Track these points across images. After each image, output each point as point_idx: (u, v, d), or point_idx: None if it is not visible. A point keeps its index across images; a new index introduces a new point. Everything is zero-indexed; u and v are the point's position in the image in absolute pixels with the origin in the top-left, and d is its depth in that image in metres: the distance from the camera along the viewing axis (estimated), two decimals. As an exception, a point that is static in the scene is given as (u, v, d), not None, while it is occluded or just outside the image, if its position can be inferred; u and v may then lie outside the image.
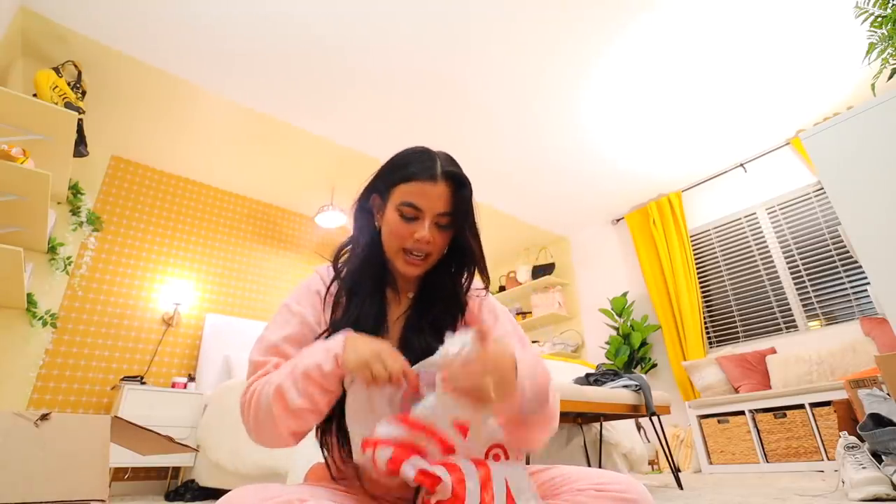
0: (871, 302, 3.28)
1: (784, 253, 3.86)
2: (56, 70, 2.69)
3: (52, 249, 3.19)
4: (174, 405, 3.11)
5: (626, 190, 4.57)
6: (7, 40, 2.55)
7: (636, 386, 2.38)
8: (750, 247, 4.08)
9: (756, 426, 3.19)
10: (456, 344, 0.63)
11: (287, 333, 0.77)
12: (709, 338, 4.17)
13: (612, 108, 3.47)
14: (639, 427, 3.00)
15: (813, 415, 2.95)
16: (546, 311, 5.01)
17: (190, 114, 3.43)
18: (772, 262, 3.92)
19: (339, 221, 4.30)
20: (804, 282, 3.71)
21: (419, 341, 0.78)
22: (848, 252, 3.39)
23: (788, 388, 3.14)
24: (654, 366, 4.31)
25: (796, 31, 2.90)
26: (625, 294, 4.51)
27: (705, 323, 4.19)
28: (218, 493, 2.63)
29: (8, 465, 1.10)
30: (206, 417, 3.02)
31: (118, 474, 3.14)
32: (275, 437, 0.70)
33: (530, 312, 5.26)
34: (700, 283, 4.29)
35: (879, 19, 1.84)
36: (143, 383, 3.20)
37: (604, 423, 2.68)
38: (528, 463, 0.85)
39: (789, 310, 3.76)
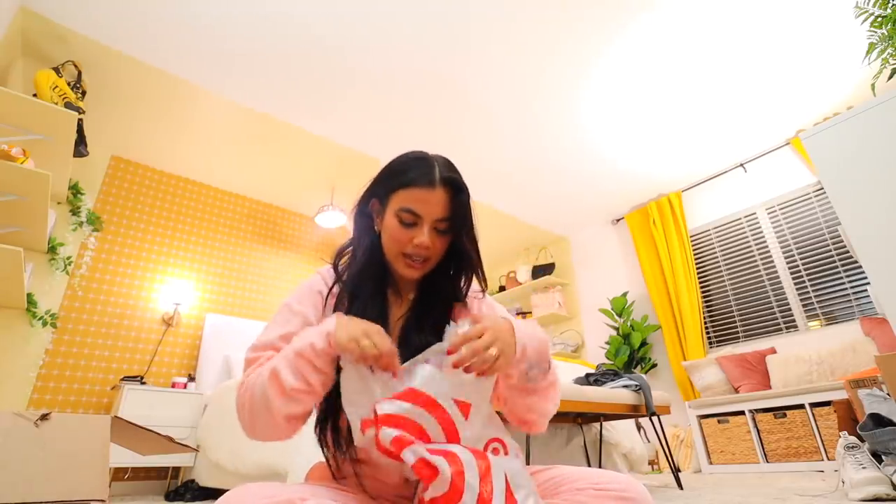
0: (871, 302, 3.28)
1: (784, 253, 3.86)
2: (56, 70, 2.69)
3: (52, 249, 3.20)
4: (174, 405, 3.11)
5: (626, 190, 4.57)
6: (7, 40, 2.55)
7: (636, 386, 2.38)
8: (750, 247, 4.08)
9: (756, 426, 3.19)
10: (456, 330, 0.66)
11: (287, 332, 0.78)
12: (709, 338, 4.17)
13: (612, 108, 3.47)
14: (639, 427, 3.00)
15: (813, 415, 2.95)
16: (546, 311, 5.01)
17: (190, 114, 3.43)
18: (772, 262, 3.92)
19: (339, 221, 4.30)
20: (804, 282, 3.71)
21: (420, 340, 0.78)
22: (848, 252, 3.39)
23: (788, 388, 3.14)
24: (654, 366, 4.31)
25: (796, 32, 2.90)
26: (625, 294, 4.51)
27: (705, 323, 4.19)
28: (218, 493, 2.63)
29: (8, 465, 1.10)
30: (206, 417, 3.02)
31: (118, 474, 3.14)
32: (270, 426, 0.70)
33: (530, 312, 5.26)
34: (700, 283, 4.29)
35: (879, 19, 1.84)
36: (143, 383, 3.20)
37: (604, 423, 2.68)
38: (527, 463, 0.85)
39: (789, 310, 3.76)
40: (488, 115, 3.52)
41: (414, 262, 0.81)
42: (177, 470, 3.27)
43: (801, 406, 3.02)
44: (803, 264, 3.74)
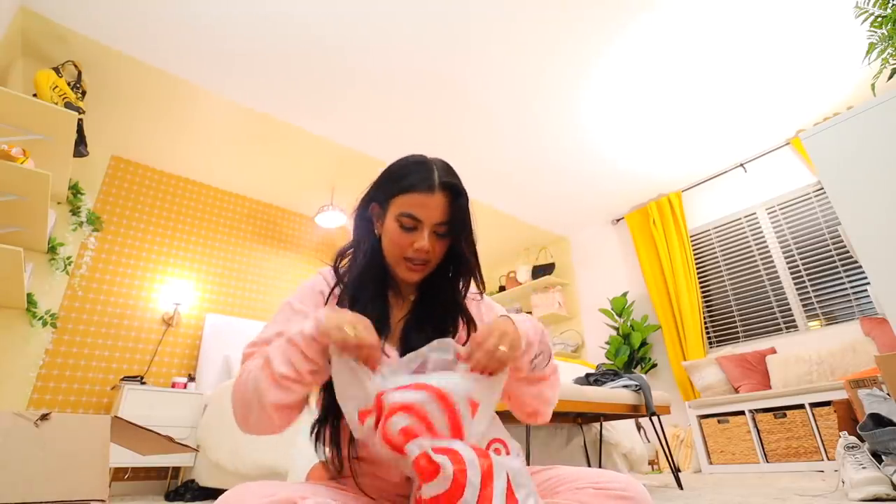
0: (871, 302, 3.28)
1: (784, 253, 3.86)
2: (56, 70, 2.69)
3: (52, 249, 3.20)
4: (174, 405, 3.11)
5: (626, 190, 4.57)
6: (7, 40, 2.55)
7: (636, 386, 2.38)
8: (750, 247, 4.08)
9: (756, 426, 3.18)
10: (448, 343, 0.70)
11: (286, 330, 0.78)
12: (709, 338, 4.17)
13: (612, 108, 3.47)
14: (639, 427, 3.00)
15: (813, 415, 2.95)
16: (546, 311, 5.01)
17: (190, 114, 3.43)
18: (772, 262, 3.92)
19: (339, 221, 4.30)
20: (804, 282, 3.71)
21: (420, 340, 0.79)
22: (848, 252, 3.39)
23: (788, 388, 3.14)
24: (654, 366, 4.31)
25: (796, 32, 2.90)
26: (625, 294, 4.51)
27: (705, 323, 4.19)
28: (218, 493, 2.62)
29: (8, 465, 1.10)
30: (206, 417, 3.02)
31: (118, 474, 3.14)
32: (263, 418, 0.69)
33: (530, 312, 5.26)
34: (700, 283, 4.29)
35: (879, 19, 1.84)
36: (143, 383, 3.20)
37: (604, 423, 2.68)
38: (527, 464, 0.85)
39: (789, 310, 3.75)
40: (488, 115, 3.52)
41: (415, 265, 0.82)
42: (177, 470, 3.27)
43: (801, 406, 3.02)
44: (803, 264, 3.74)
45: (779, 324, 3.79)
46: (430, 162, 0.83)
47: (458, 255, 0.85)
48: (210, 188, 4.33)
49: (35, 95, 2.48)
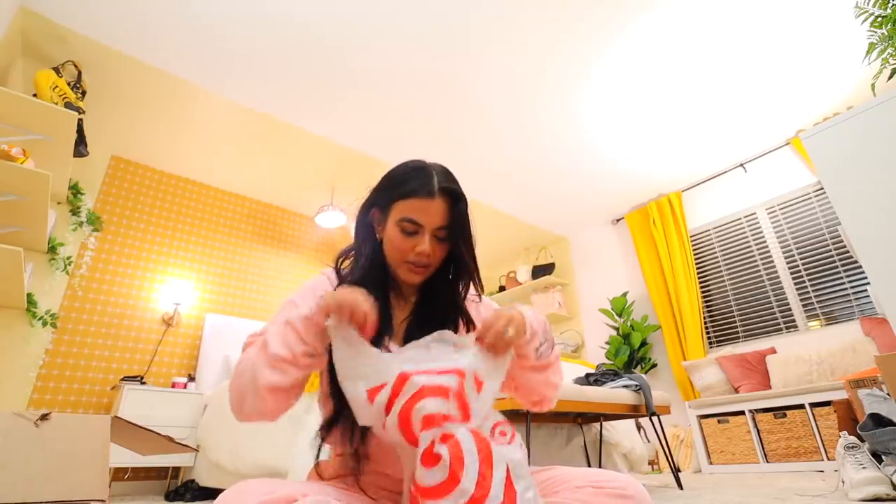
0: (871, 302, 3.28)
1: (784, 253, 3.86)
2: (56, 70, 2.69)
3: (52, 249, 3.20)
4: (174, 405, 3.11)
5: (626, 190, 4.57)
6: (7, 40, 2.55)
7: (636, 386, 2.38)
8: (750, 247, 4.08)
9: (756, 426, 3.18)
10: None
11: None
12: (709, 338, 4.17)
13: (612, 108, 3.48)
14: (639, 427, 3.00)
15: (813, 415, 2.95)
16: (546, 311, 5.01)
17: (190, 114, 3.43)
18: (772, 262, 3.92)
19: (339, 221, 4.30)
20: (804, 282, 3.71)
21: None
22: (848, 252, 3.39)
23: (788, 388, 3.14)
24: (654, 366, 4.31)
25: (796, 32, 2.90)
26: (625, 294, 4.51)
27: (705, 323, 4.19)
28: (218, 493, 2.62)
29: (8, 465, 1.10)
30: (206, 417, 3.02)
31: (118, 474, 3.14)
32: (256, 402, 0.69)
33: (530, 312, 5.25)
34: (700, 283, 4.29)
35: (879, 19, 1.84)
36: (143, 383, 3.20)
37: (604, 423, 2.68)
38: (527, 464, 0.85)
39: (789, 310, 3.75)
40: (488, 115, 3.52)
41: (416, 267, 0.84)
42: (177, 470, 3.27)
43: (801, 406, 3.02)
44: (803, 264, 3.74)
45: (779, 324, 3.79)
46: (429, 167, 0.85)
47: (457, 258, 0.87)
48: (210, 188, 4.33)
49: (35, 95, 2.48)
